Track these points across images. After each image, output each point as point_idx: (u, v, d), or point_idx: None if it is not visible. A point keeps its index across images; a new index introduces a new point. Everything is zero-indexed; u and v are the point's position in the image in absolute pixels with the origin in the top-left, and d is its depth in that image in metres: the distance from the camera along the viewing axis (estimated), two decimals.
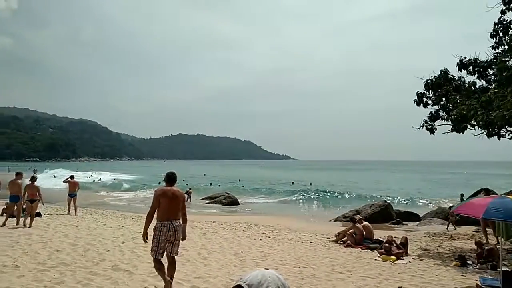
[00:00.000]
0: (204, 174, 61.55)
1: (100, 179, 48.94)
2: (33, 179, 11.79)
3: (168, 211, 5.08)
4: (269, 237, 10.60)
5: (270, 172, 77.99)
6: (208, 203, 24.94)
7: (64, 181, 17.01)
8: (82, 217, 13.66)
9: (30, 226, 10.57)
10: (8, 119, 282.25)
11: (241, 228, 12.26)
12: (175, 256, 5.24)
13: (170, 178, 5.31)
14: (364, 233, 10.32)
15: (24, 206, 11.43)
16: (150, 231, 5.07)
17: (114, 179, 49.25)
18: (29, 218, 10.96)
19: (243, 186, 39.22)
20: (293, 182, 44.09)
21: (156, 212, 5.10)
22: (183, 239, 5.36)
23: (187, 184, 30.24)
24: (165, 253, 5.11)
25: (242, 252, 8.13)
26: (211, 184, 40.33)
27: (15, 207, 11.11)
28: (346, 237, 10.41)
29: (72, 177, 16.26)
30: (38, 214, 12.53)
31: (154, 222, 5.13)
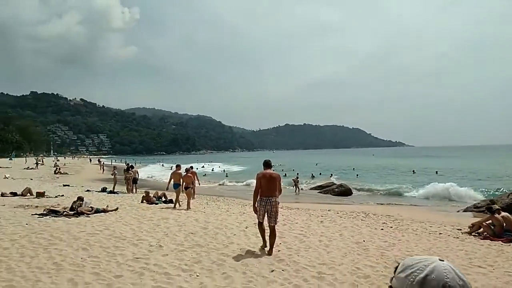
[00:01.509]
0: (316, 164, 61.30)
1: (212, 170, 52.91)
2: (188, 169, 13.77)
3: (266, 189, 6.52)
4: (391, 227, 10.10)
5: (385, 160, 73.66)
6: (319, 192, 24.87)
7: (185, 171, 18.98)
8: (207, 204, 14.89)
9: (188, 209, 12.38)
10: (139, 118, 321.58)
11: (359, 217, 11.93)
12: (275, 228, 6.58)
13: (267, 164, 6.77)
14: (505, 224, 9.10)
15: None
16: None
17: (224, 170, 52.58)
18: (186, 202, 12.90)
19: (357, 175, 38.01)
20: (414, 171, 40.87)
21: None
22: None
23: (297, 174, 30.46)
24: (267, 223, 6.60)
25: (364, 241, 7.90)
26: (320, 173, 40.07)
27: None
28: (482, 229, 9.32)
29: (191, 167, 18.03)
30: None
31: None
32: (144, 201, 14.16)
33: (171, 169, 60.76)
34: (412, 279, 1.03)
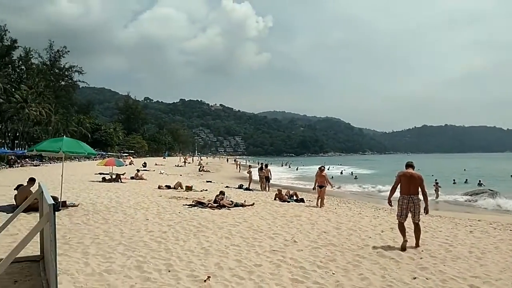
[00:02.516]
0: (464, 169, 54.50)
1: (341, 173, 51.87)
2: (321, 169, 14.05)
3: (407, 188, 6.83)
4: None
5: None
6: (466, 200, 22.09)
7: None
8: (338, 205, 14.70)
9: (321, 207, 12.97)
10: (270, 121, 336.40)
11: None
12: (418, 223, 6.95)
13: (408, 165, 7.16)
14: None
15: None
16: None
17: (352, 172, 51.25)
18: (320, 200, 13.45)
19: None
20: None
21: (399, 188, 6.94)
22: (426, 212, 7.18)
23: (436, 179, 27.50)
24: (410, 219, 6.95)
25: None
26: (466, 180, 35.46)
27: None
28: None
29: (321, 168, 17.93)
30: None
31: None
32: (277, 198, 14.72)
33: (296, 169, 62.80)
34: None
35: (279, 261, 5.73)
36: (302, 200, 14.75)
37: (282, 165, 78.29)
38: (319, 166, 15.20)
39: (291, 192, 16.00)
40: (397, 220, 7.16)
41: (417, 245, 6.87)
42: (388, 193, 7.43)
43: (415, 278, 5.09)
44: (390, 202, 7.23)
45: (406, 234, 7.02)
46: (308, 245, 6.86)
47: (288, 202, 14.27)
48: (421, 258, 6.13)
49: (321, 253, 6.33)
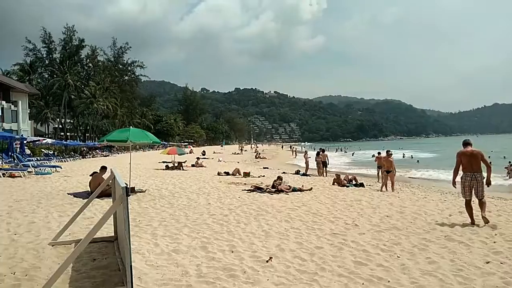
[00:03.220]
0: None
1: (403, 156, 49.97)
2: (388, 153, 13.96)
3: (469, 166, 6.92)
4: None
5: None
6: None
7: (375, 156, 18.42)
8: (401, 189, 14.16)
9: (383, 191, 12.87)
10: (326, 106, 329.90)
11: None
12: (482, 199, 6.92)
13: (466, 143, 7.20)
14: None
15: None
16: None
17: (412, 156, 49.61)
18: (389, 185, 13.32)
19: None
20: None
21: (461, 167, 7.07)
22: (488, 184, 7.00)
23: (510, 162, 25.34)
24: (474, 196, 7.01)
25: None
26: None
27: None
28: None
29: (381, 152, 17.33)
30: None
31: None
32: (335, 183, 14.52)
33: (352, 155, 61.66)
34: None
35: (341, 244, 5.67)
36: (362, 185, 14.41)
37: (336, 151, 76.69)
38: (386, 150, 14.89)
39: (350, 176, 15.67)
40: (464, 200, 7.21)
41: (483, 217, 6.74)
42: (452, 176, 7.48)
43: (488, 262, 4.78)
44: (454, 184, 7.31)
45: (475, 217, 7.02)
46: (370, 229, 6.71)
47: (347, 187, 14.01)
48: (494, 242, 5.73)
49: (384, 236, 6.15)
